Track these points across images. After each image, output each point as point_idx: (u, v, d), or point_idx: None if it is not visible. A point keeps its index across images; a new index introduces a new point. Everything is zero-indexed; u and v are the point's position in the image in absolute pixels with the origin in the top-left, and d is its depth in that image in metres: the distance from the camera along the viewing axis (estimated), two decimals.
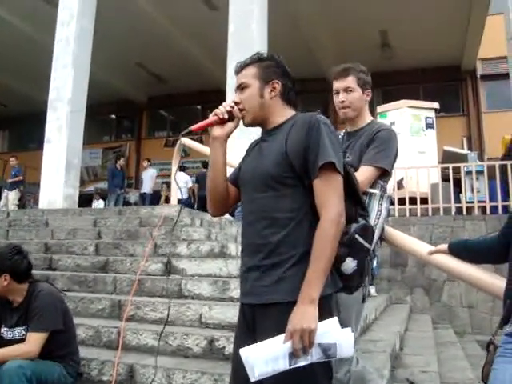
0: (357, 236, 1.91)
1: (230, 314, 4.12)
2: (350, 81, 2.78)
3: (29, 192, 17.88)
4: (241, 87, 2.06)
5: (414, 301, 8.87)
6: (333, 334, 1.73)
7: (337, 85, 2.83)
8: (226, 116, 2.04)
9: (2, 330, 3.29)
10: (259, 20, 10.49)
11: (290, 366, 1.68)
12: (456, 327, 8.23)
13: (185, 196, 14.20)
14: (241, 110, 2.05)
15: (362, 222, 1.96)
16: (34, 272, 3.52)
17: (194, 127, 2.09)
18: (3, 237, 7.39)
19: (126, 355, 3.80)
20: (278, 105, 2.05)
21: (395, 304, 8.61)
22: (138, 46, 15.96)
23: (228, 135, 2.09)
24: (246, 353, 1.71)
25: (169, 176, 10.19)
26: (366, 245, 1.95)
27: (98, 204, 15.84)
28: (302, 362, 1.69)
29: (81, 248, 6.35)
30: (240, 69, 2.10)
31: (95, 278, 5.30)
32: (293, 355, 1.68)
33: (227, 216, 9.31)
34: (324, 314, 1.75)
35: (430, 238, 8.80)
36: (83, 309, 4.74)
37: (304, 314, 1.70)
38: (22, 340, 3.18)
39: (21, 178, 14.23)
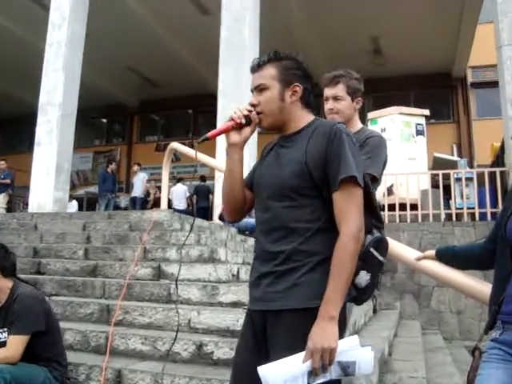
0: (371, 249, 1.86)
1: (219, 318, 4.11)
2: (340, 89, 2.79)
3: (18, 195, 17.77)
4: (259, 88, 1.97)
5: (403, 306, 8.89)
6: (353, 352, 1.71)
7: (326, 92, 2.85)
8: (244, 121, 1.96)
9: None
10: (251, 25, 10.52)
11: (309, 383, 1.65)
12: (444, 333, 8.26)
13: (184, 206, 14.34)
14: (258, 113, 1.96)
15: (376, 234, 1.90)
16: (22, 276, 3.53)
17: (210, 134, 1.99)
18: None
19: (114, 360, 3.77)
20: (298, 109, 1.98)
21: (384, 310, 8.61)
22: (129, 49, 15.95)
23: (245, 141, 2.01)
24: (264, 371, 1.65)
25: (160, 180, 10.22)
26: (380, 258, 1.90)
27: (72, 206, 15.69)
28: (320, 380, 1.66)
29: (70, 252, 6.31)
30: (258, 67, 1.99)
31: (84, 282, 5.27)
32: (311, 373, 1.65)
33: (217, 221, 9.32)
34: (338, 324, 1.71)
35: (420, 244, 8.84)
36: (71, 313, 4.70)
37: (324, 331, 1.66)
38: (2, 343, 3.15)
39: (8, 181, 14.14)
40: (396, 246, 2.91)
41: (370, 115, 12.09)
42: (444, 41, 15.06)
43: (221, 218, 9.26)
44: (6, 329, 3.19)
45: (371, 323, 6.63)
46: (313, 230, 1.81)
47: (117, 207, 15.56)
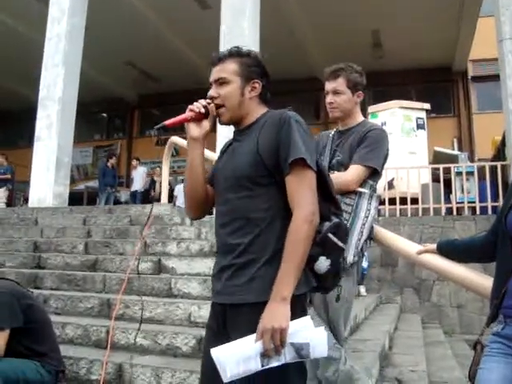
0: (329, 235, 1.85)
1: None
2: (340, 83, 2.79)
3: (18, 190, 17.75)
4: (219, 82, 1.99)
5: (403, 300, 8.90)
6: (305, 333, 1.69)
7: (327, 86, 2.85)
8: (203, 110, 1.98)
9: None
10: (251, 19, 10.49)
11: (263, 366, 1.64)
12: (445, 327, 8.27)
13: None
14: (216, 106, 1.98)
15: (335, 220, 1.90)
16: (21, 271, 3.52)
17: (168, 122, 2.03)
18: None
19: (114, 354, 3.77)
20: (255, 104, 2.01)
21: (385, 304, 8.63)
22: (128, 44, 15.88)
23: (205, 135, 2.04)
24: (217, 353, 1.66)
25: (159, 175, 10.23)
26: (340, 244, 1.90)
27: None
28: (274, 363, 1.65)
29: (70, 246, 6.32)
30: (218, 61, 2.02)
31: (84, 276, 5.28)
32: (265, 355, 1.64)
33: None
34: (297, 313, 1.72)
35: (420, 238, 8.83)
36: (72, 307, 4.71)
37: (275, 312, 1.67)
38: None
39: (8, 176, 14.13)
40: (397, 240, 2.90)
41: (371, 109, 12.05)
42: (445, 34, 14.98)
43: None
44: None
45: (372, 317, 6.64)
46: (269, 220, 1.83)
47: (117, 201, 15.56)
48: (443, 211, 9.68)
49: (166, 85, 19.34)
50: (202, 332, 3.87)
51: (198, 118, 2.00)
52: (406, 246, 2.82)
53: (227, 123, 2.03)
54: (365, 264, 7.51)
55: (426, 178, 10.10)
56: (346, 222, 2.36)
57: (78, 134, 13.23)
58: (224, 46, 10.19)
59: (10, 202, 14.51)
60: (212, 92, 2.01)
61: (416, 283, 8.92)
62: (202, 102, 2.00)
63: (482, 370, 1.98)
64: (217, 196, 2.03)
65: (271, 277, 1.74)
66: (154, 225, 6.44)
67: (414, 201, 9.78)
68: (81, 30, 12.13)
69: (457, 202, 9.83)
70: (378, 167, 2.70)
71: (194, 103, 2.00)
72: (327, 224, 1.86)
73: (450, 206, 9.89)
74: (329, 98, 2.83)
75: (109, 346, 3.85)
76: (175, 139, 8.16)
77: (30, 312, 3.26)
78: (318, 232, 1.81)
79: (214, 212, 2.07)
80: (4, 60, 17.12)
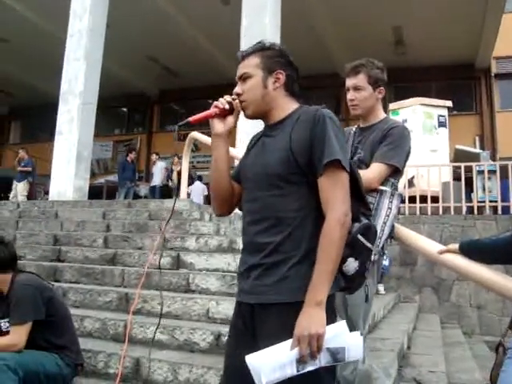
0: (359, 236, 1.84)
1: None
2: (360, 79, 2.75)
3: (39, 183, 17.94)
4: (243, 78, 1.98)
5: (422, 300, 8.83)
6: (341, 337, 1.67)
7: (347, 82, 2.81)
8: (227, 107, 1.97)
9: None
10: (272, 14, 10.46)
11: (298, 371, 1.62)
12: (464, 327, 8.19)
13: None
14: (241, 102, 1.96)
15: (364, 221, 1.89)
16: (42, 263, 3.56)
17: (192, 119, 2.00)
18: (13, 228, 7.43)
19: (132, 348, 3.78)
20: (282, 97, 1.96)
21: (403, 303, 8.57)
22: (149, 39, 15.94)
23: (229, 131, 2.02)
24: (252, 360, 1.64)
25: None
26: (369, 245, 1.88)
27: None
28: (310, 367, 1.63)
29: (89, 240, 6.36)
30: (242, 58, 2.01)
31: (103, 270, 5.30)
32: (300, 361, 1.62)
33: (237, 210, 9.31)
34: (327, 313, 1.68)
35: (441, 237, 8.75)
36: (90, 301, 4.74)
37: (311, 318, 1.64)
38: (7, 332, 3.17)
39: (29, 169, 14.28)
40: (418, 239, 2.86)
41: (392, 106, 11.95)
42: (468, 31, 14.79)
43: (240, 208, 9.25)
44: (8, 319, 3.20)
45: (390, 316, 6.60)
46: (300, 219, 1.79)
47: (136, 196, 15.64)
48: (464, 210, 9.57)
49: (186, 80, 19.38)
50: (220, 328, 3.90)
51: (223, 114, 1.98)
52: (428, 245, 2.78)
53: (252, 117, 2.00)
54: (386, 262, 7.46)
55: (447, 176, 9.99)
56: None
57: (99, 128, 13.32)
58: (245, 42, 10.18)
59: (30, 196, 14.67)
60: (237, 89, 1.99)
61: (435, 283, 8.84)
62: (227, 97, 1.98)
63: (504, 373, 1.94)
64: (245, 193, 1.99)
65: (302, 277, 1.72)
66: (173, 220, 6.44)
67: (435, 199, 9.69)
68: (102, 26, 12.19)
69: (478, 201, 9.71)
70: (400, 166, 2.66)
71: (219, 99, 1.98)
72: (357, 225, 1.84)
73: (470, 204, 9.77)
74: (350, 95, 2.79)
75: (127, 340, 3.86)
76: (195, 134, 8.17)
77: (50, 305, 3.30)
78: (347, 233, 1.77)
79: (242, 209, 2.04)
80: (26, 55, 17.33)
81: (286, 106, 1.96)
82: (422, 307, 8.66)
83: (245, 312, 1.88)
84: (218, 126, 2.00)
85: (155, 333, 3.70)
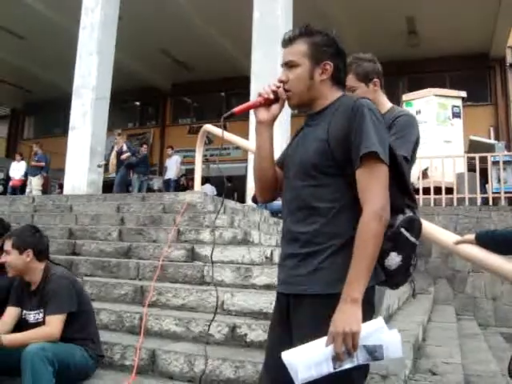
0: (402, 229, 1.78)
1: (252, 301, 4.11)
2: (349, 79, 2.66)
3: (54, 178, 18.08)
4: (289, 65, 1.92)
5: (437, 291, 8.78)
6: (379, 335, 1.64)
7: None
8: (272, 96, 1.93)
9: (24, 312, 3.33)
10: (284, 6, 10.41)
11: (335, 369, 1.60)
12: (480, 319, 8.15)
13: None
14: (286, 91, 1.92)
15: (408, 214, 1.82)
16: (58, 257, 3.62)
17: (236, 109, 1.97)
18: (28, 222, 7.47)
19: (148, 340, 3.81)
20: (327, 87, 1.92)
21: (418, 294, 8.53)
22: (162, 32, 15.94)
23: (274, 118, 1.99)
24: (288, 357, 1.62)
25: (192, 163, 10.25)
26: (412, 239, 1.81)
27: (21, 165, 15.28)
28: (347, 365, 1.61)
29: (104, 233, 6.39)
30: (289, 41, 1.94)
31: (118, 263, 5.33)
32: (336, 358, 1.60)
33: (250, 203, 9.31)
34: (365, 308, 1.65)
35: (455, 229, 8.69)
36: (106, 294, 4.77)
37: (346, 315, 1.61)
38: (40, 323, 3.22)
39: (43, 164, 14.37)
40: (434, 230, 2.85)
41: (405, 97, 11.89)
42: (482, 20, 14.60)
43: (254, 200, 9.25)
44: (41, 310, 3.25)
45: (405, 307, 6.57)
46: (335, 210, 1.76)
47: (150, 189, 15.69)
48: (479, 201, 9.51)
49: (198, 73, 19.38)
50: (235, 320, 3.91)
51: (268, 102, 1.96)
52: (444, 236, 2.78)
53: (296, 107, 1.97)
54: None
55: (462, 167, 9.93)
56: None
57: (112, 122, 13.37)
58: (257, 34, 10.17)
59: (45, 189, 14.78)
60: (282, 76, 1.95)
61: (450, 274, 8.80)
62: (272, 86, 1.95)
63: None
64: (285, 182, 1.97)
65: (337, 269, 1.71)
66: (187, 212, 6.45)
67: (449, 190, 9.63)
68: (114, 19, 12.22)
69: (493, 192, 9.64)
70: (408, 155, 2.61)
71: (264, 87, 1.95)
72: (400, 217, 1.79)
73: (485, 195, 9.71)
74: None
75: (142, 331, 3.89)
76: (208, 127, 8.16)
77: (81, 298, 3.38)
78: (390, 226, 1.73)
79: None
80: (41, 51, 17.41)
81: (331, 95, 1.92)
82: (436, 299, 8.61)
83: (282, 302, 1.88)
84: (262, 113, 1.98)
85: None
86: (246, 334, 3.74)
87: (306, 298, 1.75)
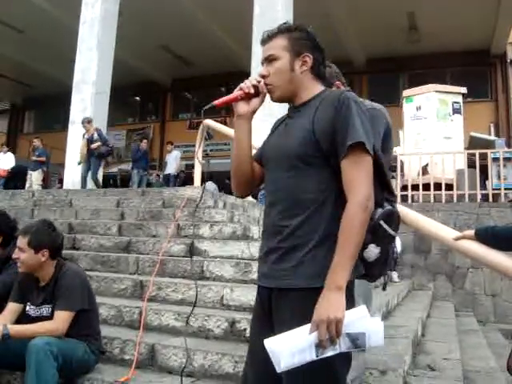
0: (381, 222, 1.79)
1: (252, 296, 4.10)
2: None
3: (54, 172, 18.07)
4: (269, 59, 1.93)
5: (436, 287, 8.80)
6: (361, 323, 1.65)
7: None
8: (252, 90, 1.93)
9: (28, 307, 3.32)
10: (285, 1, 10.39)
11: (317, 356, 1.61)
12: (479, 315, 8.16)
13: None
14: (267, 85, 1.93)
15: (387, 207, 1.83)
16: None
17: (217, 102, 1.98)
18: (29, 216, 7.48)
19: (147, 335, 3.82)
20: (308, 79, 1.93)
21: (417, 290, 8.55)
22: (162, 27, 15.91)
23: (254, 112, 1.99)
24: (270, 344, 1.63)
25: (192, 158, 10.23)
26: (391, 232, 1.83)
27: (7, 157, 15.24)
28: (329, 353, 1.61)
29: (104, 228, 6.39)
30: (268, 38, 1.96)
31: (118, 258, 5.34)
32: (319, 346, 1.60)
33: (250, 198, 9.31)
34: (346, 299, 1.65)
35: (455, 225, 8.70)
36: (106, 288, 4.77)
37: (330, 302, 1.61)
38: (48, 317, 3.21)
39: (43, 158, 14.36)
40: (433, 226, 2.84)
41: (405, 93, 11.87)
42: (483, 16, 14.58)
43: (254, 195, 9.25)
44: (51, 305, 3.24)
45: (404, 303, 6.59)
46: (319, 202, 1.76)
47: (149, 184, 15.71)
48: (479, 198, 9.50)
49: (199, 68, 19.35)
50: (235, 315, 3.91)
51: (248, 97, 1.96)
52: (443, 231, 2.76)
53: (279, 100, 1.96)
54: (398, 248, 7.42)
55: (462, 163, 9.91)
56: None
57: (112, 117, 13.37)
58: (257, 30, 10.15)
59: (45, 184, 14.78)
60: (263, 70, 1.96)
61: (449, 270, 8.81)
62: (253, 80, 1.95)
63: None
64: (267, 174, 1.97)
65: (319, 263, 1.71)
66: (187, 207, 6.45)
67: (449, 187, 9.62)
68: (114, 14, 12.22)
69: (493, 189, 9.64)
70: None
71: (245, 81, 1.96)
72: (380, 211, 1.80)
73: (485, 192, 9.70)
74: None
75: (142, 326, 3.90)
76: (208, 122, 8.15)
77: (89, 295, 3.39)
78: (369, 219, 1.74)
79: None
80: (41, 46, 17.38)
81: (312, 88, 1.93)
82: (435, 295, 8.63)
83: (263, 296, 1.88)
84: (242, 106, 1.97)
85: None
86: (245, 329, 3.74)
87: (289, 292, 1.75)
